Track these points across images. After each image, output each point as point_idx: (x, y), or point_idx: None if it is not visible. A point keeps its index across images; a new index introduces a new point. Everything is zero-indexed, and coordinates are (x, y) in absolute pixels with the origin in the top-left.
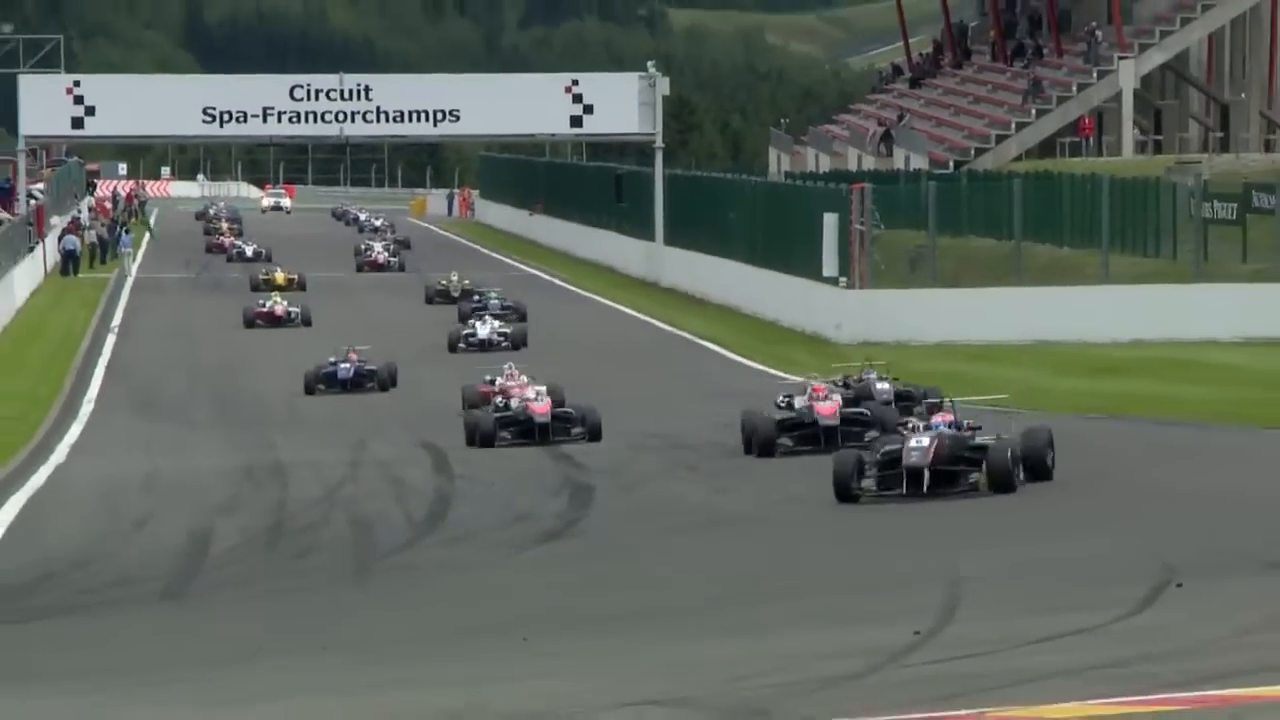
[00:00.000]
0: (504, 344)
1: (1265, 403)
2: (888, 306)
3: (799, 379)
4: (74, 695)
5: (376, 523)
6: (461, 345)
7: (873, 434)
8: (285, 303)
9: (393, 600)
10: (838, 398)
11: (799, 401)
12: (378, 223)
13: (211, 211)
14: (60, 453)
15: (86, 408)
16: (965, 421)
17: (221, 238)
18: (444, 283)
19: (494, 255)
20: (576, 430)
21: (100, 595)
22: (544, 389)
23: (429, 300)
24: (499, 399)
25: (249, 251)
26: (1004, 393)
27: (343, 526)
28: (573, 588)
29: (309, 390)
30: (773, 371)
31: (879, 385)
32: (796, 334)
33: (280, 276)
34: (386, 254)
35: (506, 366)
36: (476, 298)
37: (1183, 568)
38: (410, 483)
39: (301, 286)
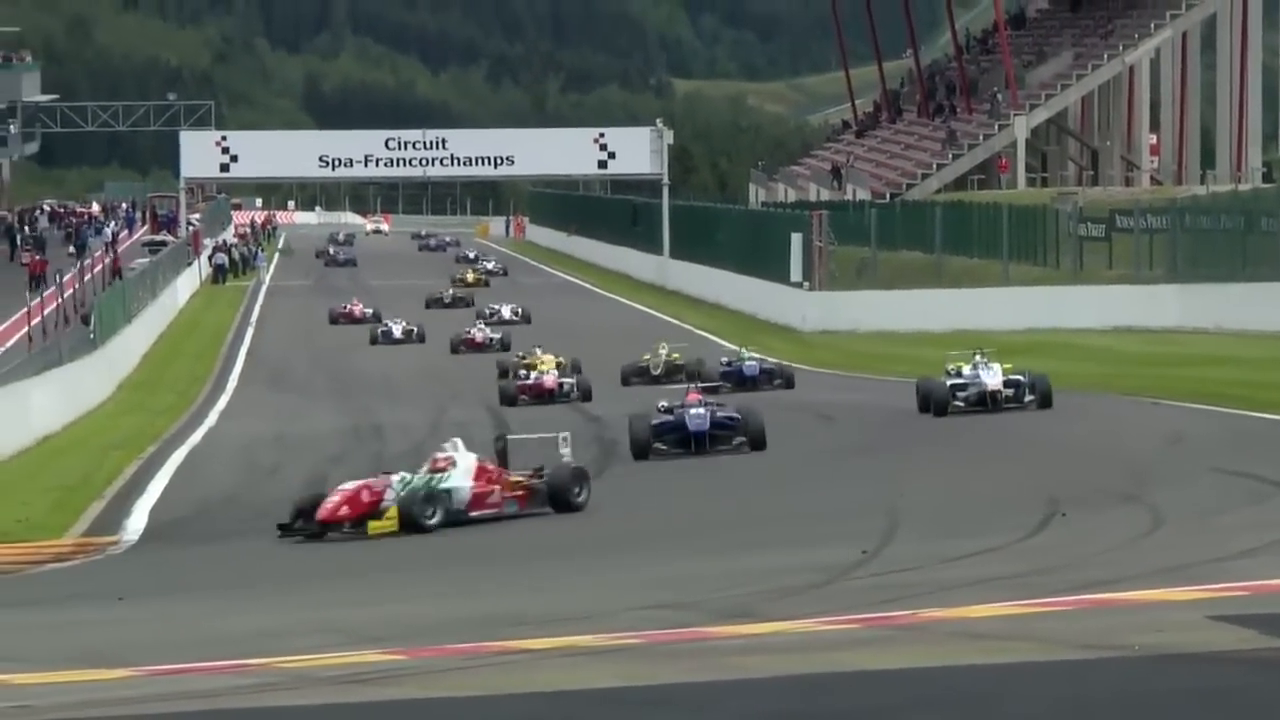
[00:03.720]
0: None
1: (1127, 376)
2: (841, 304)
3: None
4: (221, 600)
5: None
6: None
7: None
8: (556, 373)
9: (463, 529)
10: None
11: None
12: (472, 255)
13: (331, 251)
14: (212, 418)
15: (232, 383)
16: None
17: (350, 305)
18: (646, 358)
19: (540, 266)
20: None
21: (242, 526)
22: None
23: (623, 380)
24: None
25: (397, 331)
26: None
27: None
28: (601, 520)
29: (641, 454)
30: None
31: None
32: (771, 325)
33: (547, 361)
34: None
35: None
36: (725, 361)
37: (1065, 501)
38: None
39: (577, 369)
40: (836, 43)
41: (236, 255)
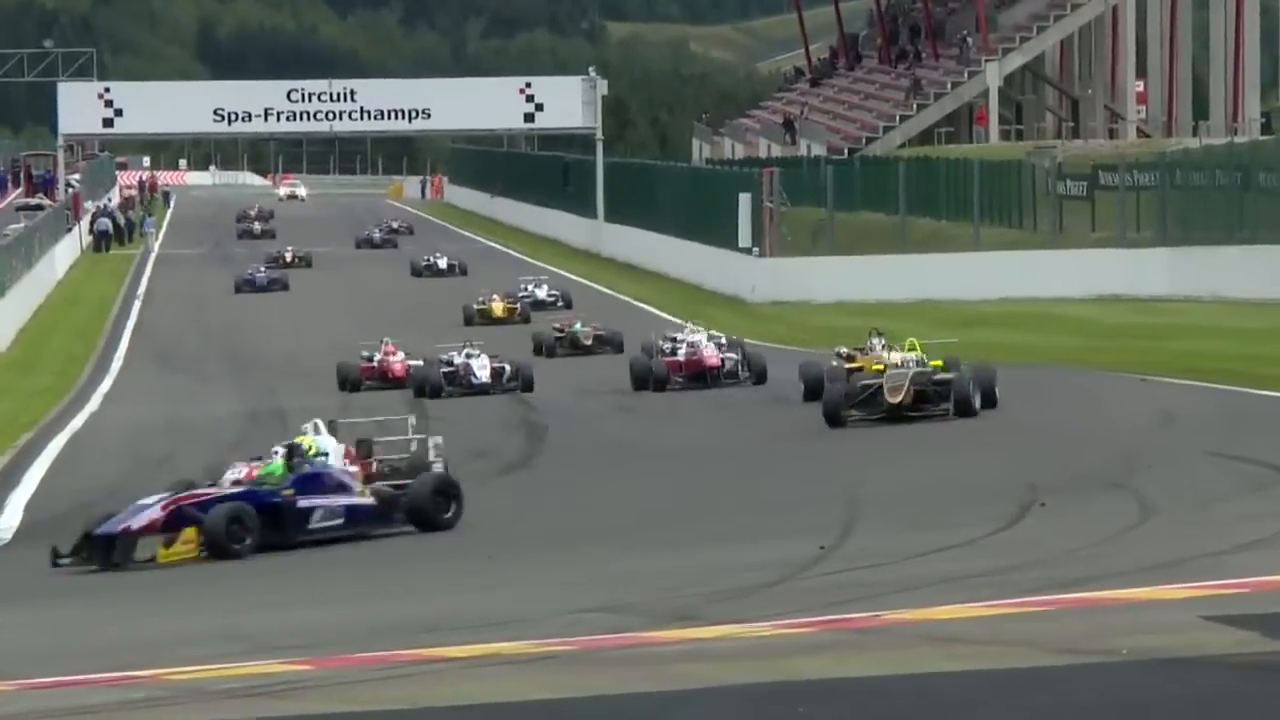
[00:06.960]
0: None
1: (1110, 350)
2: (794, 271)
3: None
4: (105, 605)
5: None
6: None
7: None
8: (715, 348)
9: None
10: None
11: None
12: (444, 262)
13: (253, 214)
14: (95, 401)
15: (117, 363)
16: None
17: (379, 358)
18: (845, 350)
19: (460, 231)
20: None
21: None
22: None
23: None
24: None
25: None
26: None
27: None
28: (528, 513)
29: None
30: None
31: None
32: (717, 296)
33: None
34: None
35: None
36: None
37: (1045, 489)
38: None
39: (739, 346)
40: None
41: (121, 220)
